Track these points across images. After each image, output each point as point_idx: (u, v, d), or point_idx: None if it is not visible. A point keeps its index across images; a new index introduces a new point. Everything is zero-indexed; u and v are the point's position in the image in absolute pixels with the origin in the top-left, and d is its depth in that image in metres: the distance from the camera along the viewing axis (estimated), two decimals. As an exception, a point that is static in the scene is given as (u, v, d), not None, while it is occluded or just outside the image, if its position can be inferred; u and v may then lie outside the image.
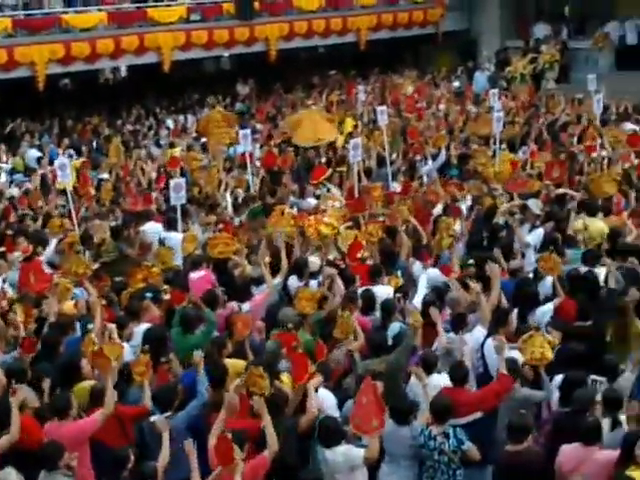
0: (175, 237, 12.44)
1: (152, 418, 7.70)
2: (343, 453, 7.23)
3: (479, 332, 9.01)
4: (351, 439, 7.48)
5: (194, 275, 10.81)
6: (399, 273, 10.71)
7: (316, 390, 7.90)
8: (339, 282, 10.05)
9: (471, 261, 10.46)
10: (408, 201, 12.93)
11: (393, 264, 10.86)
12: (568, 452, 7.12)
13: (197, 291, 10.08)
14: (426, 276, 10.26)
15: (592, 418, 7.22)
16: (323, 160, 17.21)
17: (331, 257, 11.24)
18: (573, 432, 7.23)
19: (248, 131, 16.66)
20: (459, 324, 9.05)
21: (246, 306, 9.94)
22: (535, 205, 12.50)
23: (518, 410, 7.67)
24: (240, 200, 14.64)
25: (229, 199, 14.83)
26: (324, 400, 7.94)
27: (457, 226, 11.90)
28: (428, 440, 7.38)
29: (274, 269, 10.71)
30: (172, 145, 20.01)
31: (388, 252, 11.15)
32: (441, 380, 8.13)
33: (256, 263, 10.95)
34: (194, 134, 21.51)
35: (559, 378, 8.10)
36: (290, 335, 8.61)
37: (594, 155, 15.56)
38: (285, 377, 8.20)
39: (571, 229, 11.51)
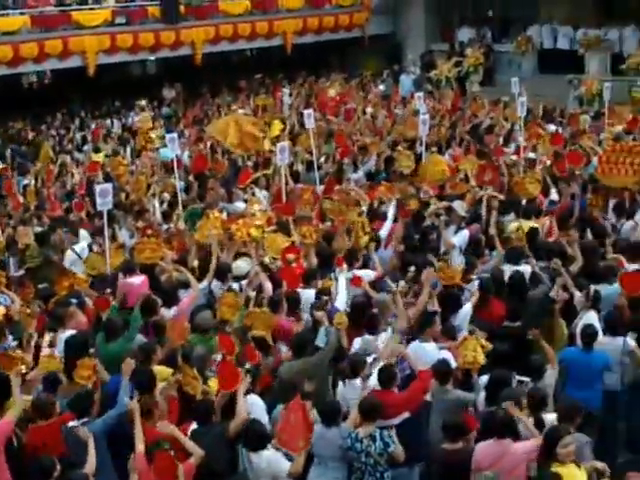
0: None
1: (70, 424, 7.61)
2: (268, 459, 7.22)
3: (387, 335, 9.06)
4: None
5: (133, 280, 10.74)
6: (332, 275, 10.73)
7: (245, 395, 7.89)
8: (268, 284, 10.04)
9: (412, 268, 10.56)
10: (336, 203, 12.99)
11: (330, 267, 10.88)
12: (484, 449, 7.21)
13: (135, 295, 10.03)
14: (345, 278, 10.29)
15: (503, 412, 7.32)
16: (250, 163, 17.18)
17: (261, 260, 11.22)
18: (500, 431, 7.31)
19: (175, 135, 16.53)
20: (372, 325, 9.09)
21: (172, 311, 9.86)
22: (460, 207, 12.66)
23: (453, 411, 7.77)
24: (166, 205, 14.55)
25: (157, 204, 14.72)
26: (253, 405, 7.91)
27: (384, 229, 12.03)
28: (355, 442, 7.40)
29: (204, 273, 10.70)
30: (97, 150, 19.77)
31: (325, 255, 11.18)
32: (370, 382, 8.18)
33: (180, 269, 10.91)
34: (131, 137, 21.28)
35: (485, 378, 8.21)
36: (229, 339, 8.59)
37: (513, 158, 15.81)
38: (212, 382, 8.15)
39: (493, 230, 11.67)
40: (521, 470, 6.95)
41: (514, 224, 11.78)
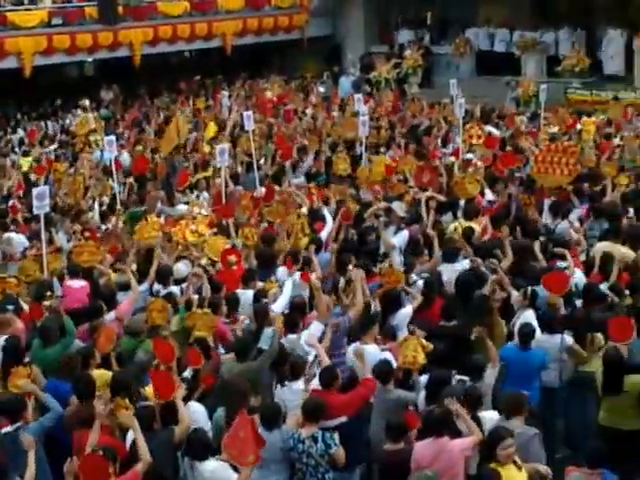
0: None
1: (3, 430, 7.48)
2: (213, 469, 7.13)
3: (315, 327, 9.08)
4: None
5: (73, 283, 10.64)
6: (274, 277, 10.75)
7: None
8: (207, 286, 10.01)
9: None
10: (277, 205, 12.98)
11: (270, 269, 10.86)
12: (422, 448, 7.25)
13: (73, 300, 9.91)
14: (292, 281, 10.31)
15: (440, 409, 7.39)
16: (187, 165, 17.05)
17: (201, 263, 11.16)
18: (430, 431, 7.38)
19: (113, 137, 16.38)
20: (292, 325, 9.12)
21: (111, 315, 9.77)
22: (399, 208, 12.74)
23: (394, 410, 7.81)
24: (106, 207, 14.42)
25: (96, 207, 14.57)
26: (195, 413, 7.86)
27: (324, 232, 12.05)
28: (297, 443, 7.40)
29: (144, 275, 10.65)
30: (25, 154, 19.51)
31: (266, 257, 11.16)
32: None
33: (123, 269, 10.82)
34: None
35: (425, 378, 8.27)
36: (167, 344, 8.52)
37: (452, 159, 15.96)
38: (148, 389, 8.07)
39: (431, 230, 11.76)
40: (459, 467, 7.01)
41: (452, 224, 11.89)
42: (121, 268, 10.78)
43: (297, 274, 10.34)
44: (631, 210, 12.26)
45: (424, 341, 8.53)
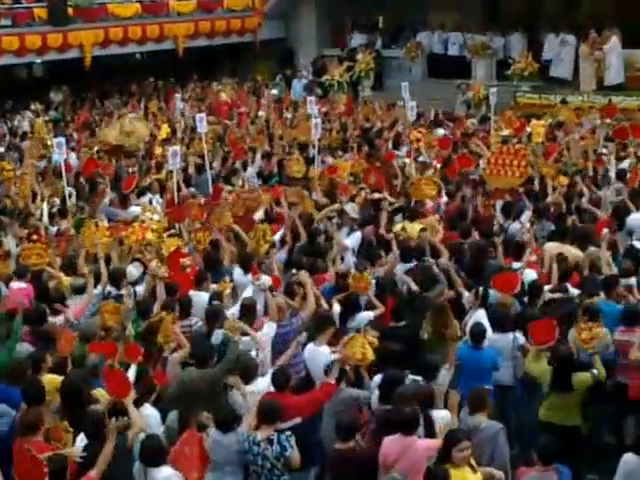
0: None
1: None
2: (167, 476, 7.06)
3: (268, 327, 9.11)
4: None
5: (14, 285, 10.53)
6: (227, 279, 10.68)
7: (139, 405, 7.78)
8: (161, 289, 9.95)
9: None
10: (227, 207, 12.93)
11: (217, 270, 10.80)
12: (390, 444, 7.29)
13: (12, 302, 9.80)
14: (252, 286, 10.27)
15: (410, 409, 7.41)
16: (132, 170, 16.87)
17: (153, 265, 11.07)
18: (395, 429, 7.40)
19: (63, 139, 16.19)
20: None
21: (60, 318, 9.66)
22: (352, 209, 12.77)
23: (345, 409, 7.83)
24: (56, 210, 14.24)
25: (45, 209, 14.38)
26: (148, 417, 7.81)
27: (279, 233, 12.04)
28: (252, 445, 7.38)
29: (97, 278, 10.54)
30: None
31: (211, 259, 11.11)
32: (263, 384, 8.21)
33: (79, 273, 10.76)
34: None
35: (378, 377, 8.28)
36: (110, 346, 8.42)
37: (407, 161, 16.05)
38: (98, 392, 8.00)
39: (384, 231, 11.81)
40: (422, 466, 7.02)
41: (398, 225, 11.95)
42: (81, 272, 10.67)
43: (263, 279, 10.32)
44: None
45: (370, 337, 8.55)
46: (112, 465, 7.00)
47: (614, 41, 23.17)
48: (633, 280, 10.02)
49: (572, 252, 10.84)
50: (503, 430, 7.61)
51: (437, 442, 7.17)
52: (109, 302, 9.52)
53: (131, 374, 8.19)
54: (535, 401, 8.77)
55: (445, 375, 8.43)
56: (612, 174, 14.55)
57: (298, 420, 7.98)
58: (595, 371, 8.42)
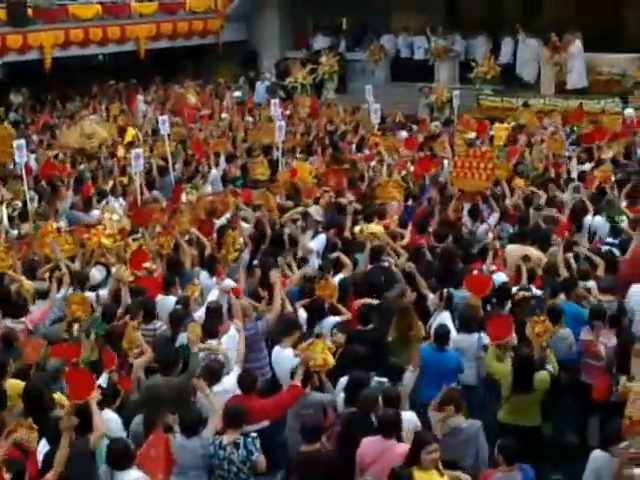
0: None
1: None
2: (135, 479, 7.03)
3: (233, 331, 9.07)
4: None
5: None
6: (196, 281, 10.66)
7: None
8: (126, 293, 9.88)
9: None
10: (187, 212, 12.87)
11: (180, 274, 10.75)
12: (369, 445, 7.30)
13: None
14: (217, 289, 10.23)
15: (392, 411, 7.44)
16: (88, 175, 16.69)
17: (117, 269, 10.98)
18: (360, 431, 7.43)
19: (23, 142, 15.98)
20: (210, 331, 9.06)
21: (21, 322, 9.57)
22: (316, 212, 12.77)
23: (309, 412, 7.82)
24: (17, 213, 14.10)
25: (5, 212, 14.22)
26: (109, 421, 7.74)
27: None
28: (218, 450, 7.35)
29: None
30: None
31: (173, 263, 11.04)
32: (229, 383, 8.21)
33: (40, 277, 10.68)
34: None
35: (344, 380, 8.28)
36: (72, 348, 8.33)
37: (373, 163, 16.09)
38: (58, 396, 7.91)
39: (347, 234, 11.81)
40: None
41: (357, 227, 11.96)
42: (42, 277, 10.57)
43: (227, 281, 10.27)
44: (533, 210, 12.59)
45: (329, 342, 8.58)
46: (72, 468, 6.95)
47: (577, 45, 23.36)
48: (591, 283, 10.10)
49: (534, 253, 10.92)
50: (482, 428, 7.69)
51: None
52: (75, 293, 9.49)
53: (103, 381, 8.16)
54: (498, 401, 8.79)
55: (410, 377, 8.46)
56: (574, 176, 14.66)
57: (266, 423, 7.96)
58: (549, 367, 8.49)
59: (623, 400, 7.89)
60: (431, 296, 9.92)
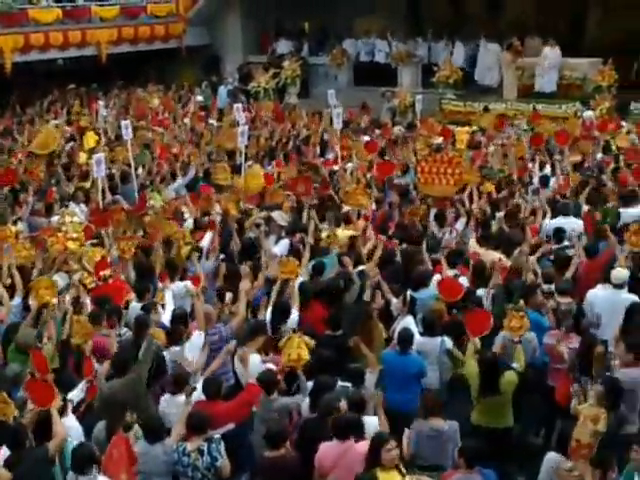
0: None
1: None
2: None
3: (197, 338, 9.04)
4: None
5: None
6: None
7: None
8: (87, 300, 9.80)
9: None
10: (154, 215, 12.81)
11: (150, 280, 10.70)
12: (326, 450, 7.32)
13: None
14: (171, 292, 10.18)
15: (346, 414, 7.48)
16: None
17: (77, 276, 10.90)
18: (316, 436, 7.46)
19: (-17, 147, 15.85)
20: (175, 337, 9.05)
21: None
22: (280, 216, 12.75)
23: (277, 417, 7.83)
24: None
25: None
26: (70, 429, 7.70)
27: (206, 240, 11.95)
28: (182, 456, 7.33)
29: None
30: None
31: (143, 268, 10.97)
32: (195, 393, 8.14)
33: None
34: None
35: (309, 384, 8.29)
36: (39, 354, 8.30)
37: (336, 167, 16.10)
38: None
39: (311, 239, 11.82)
40: (360, 469, 7.06)
41: (325, 232, 11.97)
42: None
43: (180, 284, 10.21)
44: (498, 214, 12.61)
45: (306, 338, 8.59)
46: (32, 475, 6.95)
47: (547, 50, 23.55)
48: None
49: (496, 257, 10.96)
50: (458, 429, 7.79)
51: None
52: (42, 278, 9.48)
53: (81, 388, 8.19)
54: (464, 405, 8.82)
55: (370, 378, 8.48)
56: (535, 180, 14.74)
57: (231, 426, 7.94)
58: (515, 365, 8.52)
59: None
60: (394, 300, 9.95)
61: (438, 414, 7.77)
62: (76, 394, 8.25)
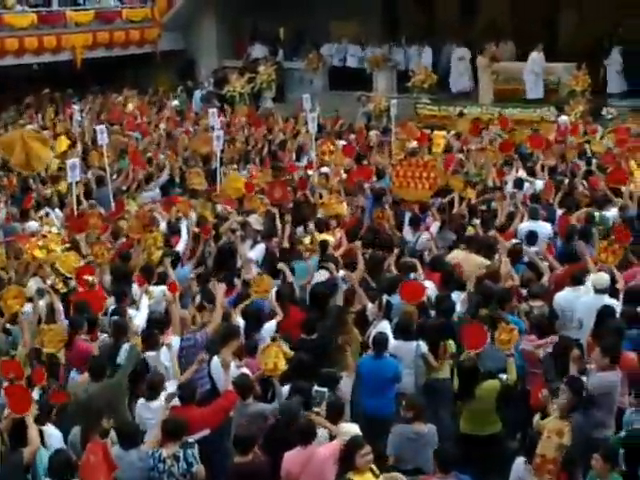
0: None
1: None
2: None
3: (173, 343, 9.03)
4: None
5: None
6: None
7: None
8: (59, 306, 9.76)
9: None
10: (132, 220, 12.76)
11: (128, 284, 10.66)
12: (292, 458, 7.32)
13: None
14: (147, 297, 10.15)
15: (304, 419, 7.49)
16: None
17: (50, 281, 10.85)
18: (283, 442, 7.48)
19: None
20: (151, 342, 9.03)
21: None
22: (256, 221, 12.74)
23: (252, 423, 7.83)
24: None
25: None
26: (50, 436, 7.70)
27: (181, 245, 11.92)
28: (157, 463, 7.31)
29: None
30: None
31: (120, 273, 10.94)
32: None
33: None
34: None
35: (286, 388, 8.31)
36: (12, 363, 8.26)
37: (310, 172, 16.10)
38: None
39: (286, 244, 11.82)
40: (330, 472, 7.11)
41: (307, 237, 11.98)
42: None
43: (157, 289, 10.18)
44: (477, 220, 12.63)
45: (285, 347, 8.59)
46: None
47: (534, 55, 23.65)
48: None
49: (478, 261, 11.02)
50: (436, 432, 7.83)
51: (336, 444, 7.25)
52: (12, 287, 9.49)
53: (35, 395, 8.08)
54: (439, 409, 8.84)
55: (346, 383, 8.47)
56: (510, 185, 14.77)
57: (207, 432, 7.92)
58: (504, 376, 8.55)
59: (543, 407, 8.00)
60: (370, 305, 9.96)
61: (420, 418, 7.79)
62: None
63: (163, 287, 10.38)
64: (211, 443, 7.97)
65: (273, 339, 8.91)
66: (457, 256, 11.22)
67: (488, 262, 10.95)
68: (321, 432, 7.60)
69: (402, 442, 7.76)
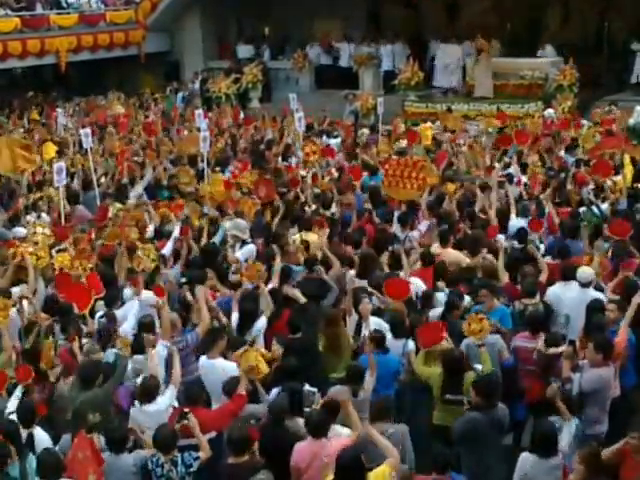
0: None
1: None
2: None
3: (161, 346, 8.94)
4: None
5: None
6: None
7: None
8: (41, 315, 9.75)
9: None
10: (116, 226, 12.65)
11: (113, 288, 10.60)
12: (300, 450, 7.28)
13: None
14: (138, 302, 10.06)
15: (318, 412, 7.45)
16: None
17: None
18: (276, 441, 7.44)
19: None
20: (141, 345, 8.96)
21: None
22: (239, 231, 12.66)
23: (243, 424, 7.69)
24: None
25: None
26: (40, 441, 7.63)
27: (167, 248, 11.84)
28: (156, 467, 7.25)
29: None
30: None
31: (107, 278, 10.85)
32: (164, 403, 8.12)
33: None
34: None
35: (275, 390, 8.26)
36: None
37: (303, 173, 16.02)
38: None
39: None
40: None
41: (297, 236, 11.93)
42: None
43: (149, 293, 10.10)
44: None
45: (263, 350, 8.57)
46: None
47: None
48: None
49: (457, 256, 11.04)
50: (407, 432, 7.71)
51: (347, 439, 7.23)
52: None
53: (17, 394, 8.13)
54: (426, 406, 8.77)
55: (370, 381, 8.36)
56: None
57: (212, 434, 7.88)
58: (479, 366, 8.50)
59: (553, 402, 7.94)
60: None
61: (384, 418, 7.70)
62: (13, 402, 8.13)
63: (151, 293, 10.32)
64: (212, 445, 7.87)
65: (251, 344, 8.82)
66: (435, 251, 11.18)
67: (467, 260, 10.92)
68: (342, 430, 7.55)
69: (366, 442, 7.49)
